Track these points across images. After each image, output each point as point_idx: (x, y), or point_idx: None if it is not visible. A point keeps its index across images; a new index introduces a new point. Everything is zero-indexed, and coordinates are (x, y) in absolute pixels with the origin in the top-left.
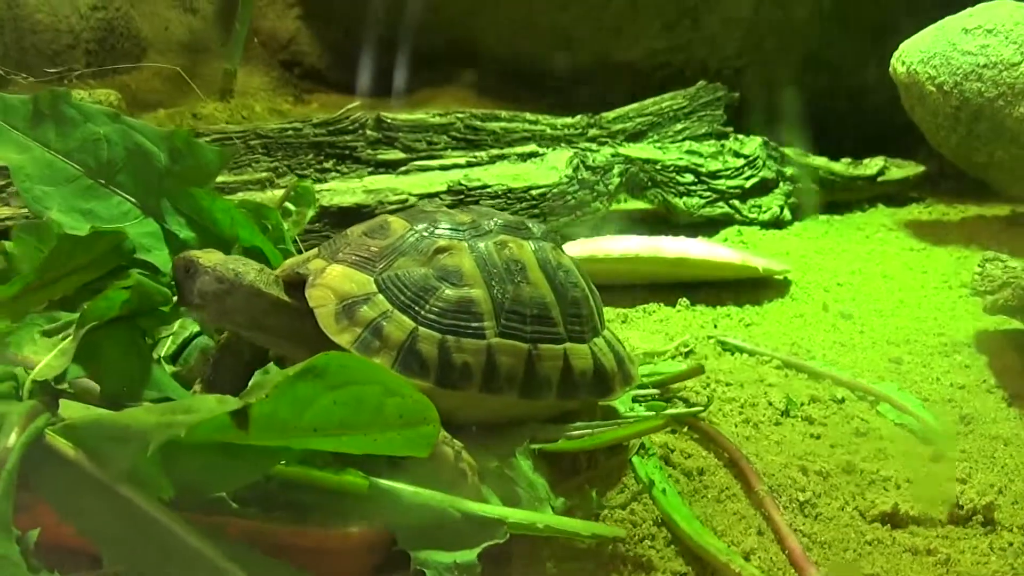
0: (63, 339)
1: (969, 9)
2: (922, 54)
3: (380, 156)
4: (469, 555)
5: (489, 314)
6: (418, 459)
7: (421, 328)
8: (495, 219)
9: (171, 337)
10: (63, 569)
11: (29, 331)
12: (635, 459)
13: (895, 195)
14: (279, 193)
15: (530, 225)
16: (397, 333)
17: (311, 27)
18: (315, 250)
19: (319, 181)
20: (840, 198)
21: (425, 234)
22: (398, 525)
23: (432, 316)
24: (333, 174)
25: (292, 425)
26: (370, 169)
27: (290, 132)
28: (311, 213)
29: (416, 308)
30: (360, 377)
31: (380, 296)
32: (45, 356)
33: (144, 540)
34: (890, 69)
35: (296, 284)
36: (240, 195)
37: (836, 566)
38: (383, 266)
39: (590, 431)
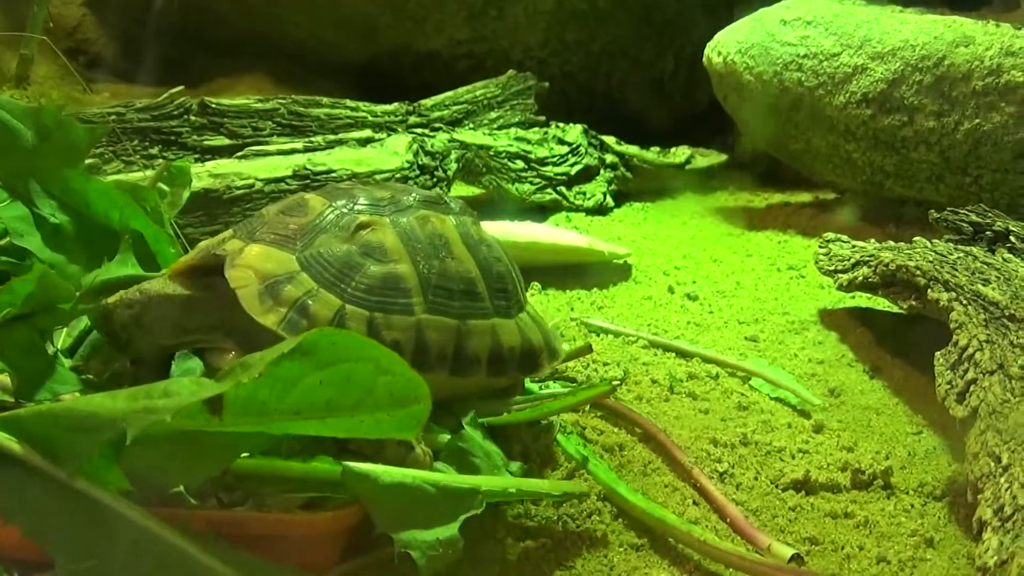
0: None
1: (786, 1)
2: (739, 44)
3: (207, 142)
4: (451, 530)
5: (416, 290)
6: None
7: (348, 306)
8: (413, 194)
9: (65, 331)
10: None
11: None
12: (559, 437)
13: (699, 183)
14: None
15: (448, 200)
16: (324, 312)
17: (97, 14)
18: (230, 231)
19: (148, 168)
20: (651, 186)
21: (345, 210)
22: (375, 508)
23: (359, 293)
24: (160, 161)
25: (272, 408)
26: (196, 156)
27: (113, 117)
28: (187, 193)
29: (342, 286)
30: (351, 354)
31: (303, 275)
32: None
33: (108, 539)
34: (704, 59)
35: (213, 268)
36: None
37: (773, 532)
38: (304, 244)
39: (531, 404)
